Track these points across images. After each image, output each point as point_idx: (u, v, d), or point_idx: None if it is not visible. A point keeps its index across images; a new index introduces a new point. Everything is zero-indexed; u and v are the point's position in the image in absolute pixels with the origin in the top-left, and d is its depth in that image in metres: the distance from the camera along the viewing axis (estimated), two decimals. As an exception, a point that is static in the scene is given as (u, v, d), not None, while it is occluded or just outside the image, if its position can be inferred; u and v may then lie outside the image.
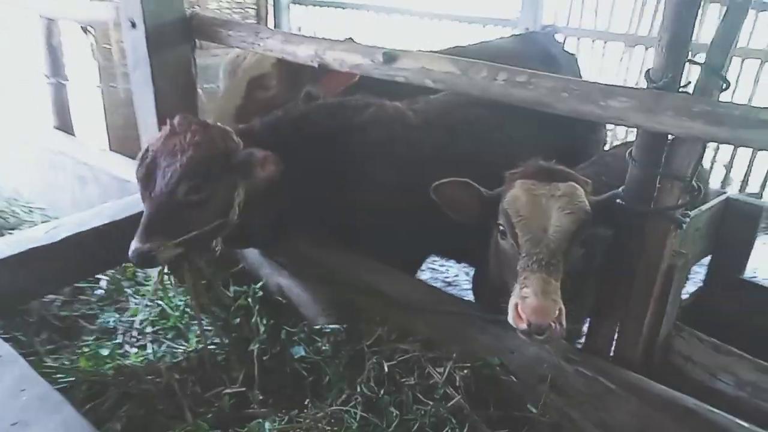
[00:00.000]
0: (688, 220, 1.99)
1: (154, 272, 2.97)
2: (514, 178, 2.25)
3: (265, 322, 2.81)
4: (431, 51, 2.85)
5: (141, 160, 2.35)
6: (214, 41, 3.05)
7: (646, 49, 6.42)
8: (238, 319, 2.82)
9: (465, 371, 2.28)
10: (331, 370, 2.51)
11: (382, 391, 2.33)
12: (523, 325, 1.90)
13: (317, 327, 2.68)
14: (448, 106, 3.22)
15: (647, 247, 2.05)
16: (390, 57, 2.31)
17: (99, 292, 3.25)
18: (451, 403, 2.20)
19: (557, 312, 1.87)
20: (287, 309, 2.91)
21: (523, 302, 1.91)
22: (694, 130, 1.71)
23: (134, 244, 2.23)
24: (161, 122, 3.01)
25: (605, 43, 6.80)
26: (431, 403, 2.21)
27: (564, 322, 1.88)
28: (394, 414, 2.23)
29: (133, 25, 3.01)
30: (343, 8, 8.35)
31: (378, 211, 2.87)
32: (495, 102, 3.26)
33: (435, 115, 3.14)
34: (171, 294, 3.04)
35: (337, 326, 2.56)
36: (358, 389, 2.37)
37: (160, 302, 3.06)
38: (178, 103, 3.21)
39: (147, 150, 2.37)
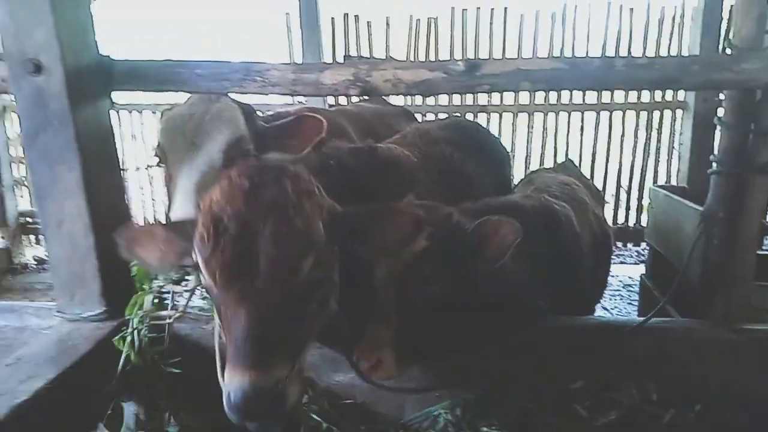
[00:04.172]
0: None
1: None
2: None
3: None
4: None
5: (215, 234, 1.41)
6: (165, 87, 2.20)
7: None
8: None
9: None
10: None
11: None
12: None
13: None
14: (421, 144, 3.03)
15: (746, 208, 2.24)
16: (473, 65, 2.06)
17: None
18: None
19: None
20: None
21: None
22: None
23: (247, 380, 1.29)
24: (95, 215, 2.06)
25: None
26: None
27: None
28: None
29: (38, 69, 1.97)
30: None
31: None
32: (453, 137, 3.30)
33: (419, 155, 2.90)
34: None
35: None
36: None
37: None
38: (108, 184, 2.21)
39: (215, 216, 1.44)
